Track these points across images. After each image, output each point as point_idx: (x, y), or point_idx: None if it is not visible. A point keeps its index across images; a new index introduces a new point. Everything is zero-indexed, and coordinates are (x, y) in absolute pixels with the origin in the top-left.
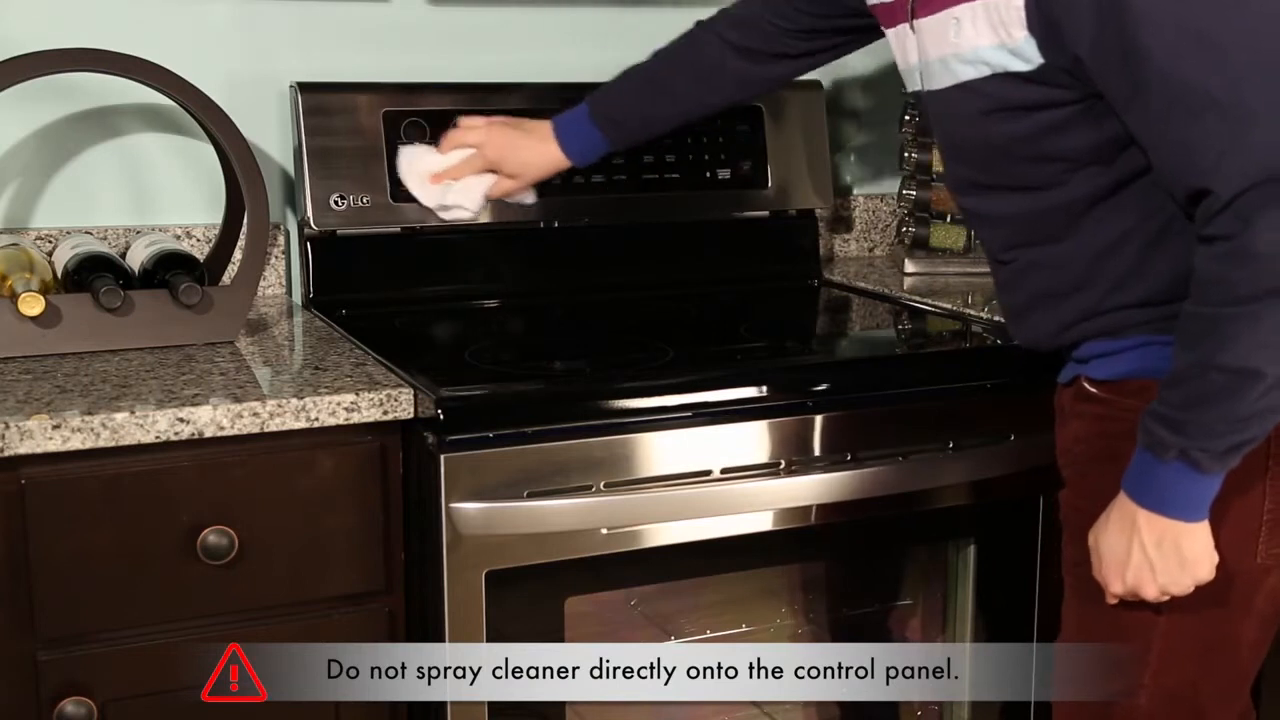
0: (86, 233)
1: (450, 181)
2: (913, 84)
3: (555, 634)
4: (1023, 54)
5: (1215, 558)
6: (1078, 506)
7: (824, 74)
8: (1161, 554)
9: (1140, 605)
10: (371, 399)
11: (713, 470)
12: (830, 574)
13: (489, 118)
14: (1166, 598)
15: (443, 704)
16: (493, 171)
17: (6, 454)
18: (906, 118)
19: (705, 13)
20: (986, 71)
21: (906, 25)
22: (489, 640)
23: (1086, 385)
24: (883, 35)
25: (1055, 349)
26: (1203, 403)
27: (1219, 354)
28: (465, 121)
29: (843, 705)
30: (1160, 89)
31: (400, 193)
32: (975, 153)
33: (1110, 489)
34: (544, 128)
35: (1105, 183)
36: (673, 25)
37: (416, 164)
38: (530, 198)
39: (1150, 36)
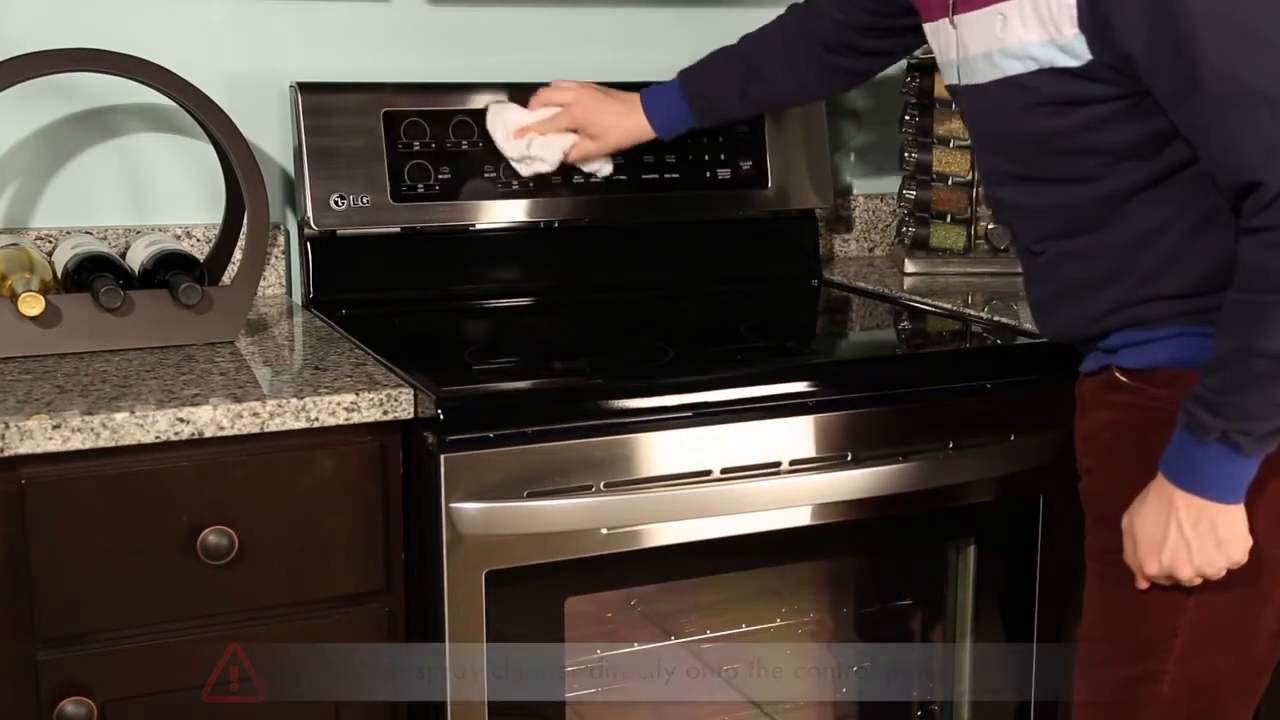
0: (86, 233)
1: (534, 135)
2: (950, 78)
3: (555, 634)
4: (1072, 50)
5: (1249, 540)
6: (1104, 493)
7: None
8: (1198, 534)
9: (1167, 591)
10: (371, 399)
11: (713, 470)
12: (830, 574)
13: (581, 81)
14: (1200, 580)
15: (443, 704)
16: (575, 132)
17: (6, 454)
18: (906, 118)
19: (707, 13)
20: (1034, 67)
21: (946, 20)
22: (489, 640)
23: (1118, 375)
24: None
25: (1083, 340)
26: (1244, 387)
27: (1261, 340)
28: (557, 82)
29: (843, 706)
30: (1212, 86)
31: (401, 193)
32: (1015, 146)
33: (1140, 476)
34: (633, 97)
35: (1145, 176)
36: (674, 26)
37: (503, 116)
38: (607, 168)
39: (1203, 35)
